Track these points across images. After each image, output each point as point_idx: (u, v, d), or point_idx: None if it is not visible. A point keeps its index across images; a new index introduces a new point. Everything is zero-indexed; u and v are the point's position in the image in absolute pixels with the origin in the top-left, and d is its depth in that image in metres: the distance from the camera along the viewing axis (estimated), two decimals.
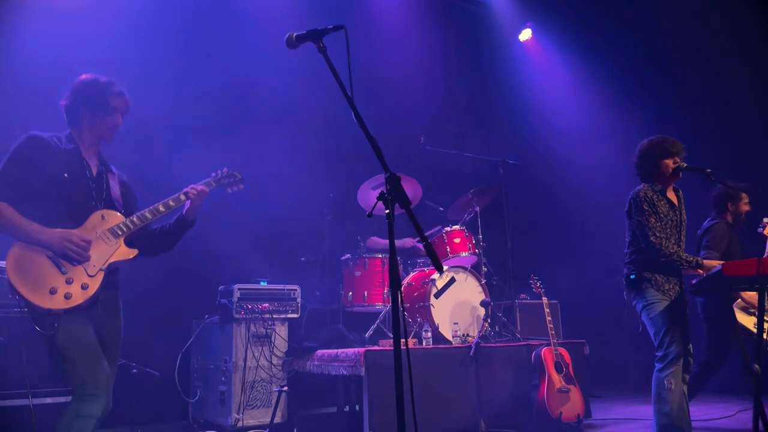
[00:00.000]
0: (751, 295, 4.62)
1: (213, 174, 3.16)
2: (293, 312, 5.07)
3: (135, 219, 2.83)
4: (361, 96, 6.77)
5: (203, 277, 5.34)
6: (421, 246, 6.07)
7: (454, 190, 6.07)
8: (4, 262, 2.58)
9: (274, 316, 4.94)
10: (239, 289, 4.87)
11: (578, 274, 7.14)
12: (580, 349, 5.28)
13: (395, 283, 1.75)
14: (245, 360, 4.76)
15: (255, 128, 5.90)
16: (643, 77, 7.38)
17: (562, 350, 4.83)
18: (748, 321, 4.60)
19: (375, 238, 5.91)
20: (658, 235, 3.64)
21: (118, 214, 2.85)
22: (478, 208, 5.81)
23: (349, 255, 5.49)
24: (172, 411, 5.26)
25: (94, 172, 2.88)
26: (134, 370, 4.32)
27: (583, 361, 5.26)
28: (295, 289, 5.13)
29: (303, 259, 5.92)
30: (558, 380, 4.67)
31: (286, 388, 4.39)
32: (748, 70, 6.66)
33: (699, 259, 3.64)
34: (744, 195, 4.96)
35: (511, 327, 5.61)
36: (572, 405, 4.67)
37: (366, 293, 5.21)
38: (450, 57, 7.58)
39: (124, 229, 2.79)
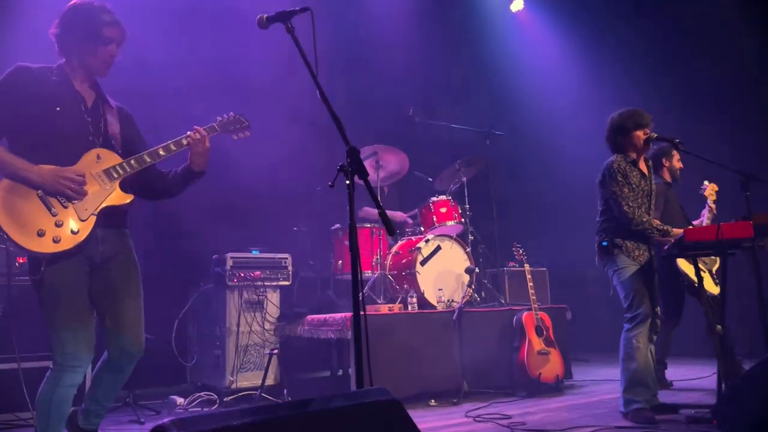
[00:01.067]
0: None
1: (218, 118, 2.93)
2: (284, 279, 5.27)
3: (133, 162, 2.65)
4: (350, 70, 6.85)
5: (198, 247, 5.51)
6: (410, 219, 6.24)
7: (442, 161, 6.20)
8: None
9: (265, 283, 5.14)
10: (232, 257, 5.06)
11: (566, 242, 7.31)
12: (562, 314, 5.47)
13: (354, 248, 1.91)
14: (238, 325, 4.98)
15: (246, 98, 5.99)
16: (631, 47, 7.44)
17: (543, 314, 5.02)
18: (689, 269, 4.53)
19: (367, 209, 6.08)
20: (631, 204, 3.81)
21: (115, 154, 2.66)
22: (465, 179, 5.96)
23: (339, 225, 5.65)
24: (170, 375, 5.49)
25: (89, 104, 2.68)
26: None
27: (565, 325, 5.46)
28: (286, 258, 5.31)
29: (295, 228, 6.10)
30: (538, 343, 4.87)
31: (276, 351, 4.59)
32: (737, 35, 6.73)
33: (668, 227, 3.80)
34: (675, 152, 5.05)
35: (495, 293, 5.80)
36: (552, 366, 4.88)
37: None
38: (440, 28, 7.63)
39: (121, 171, 2.62)
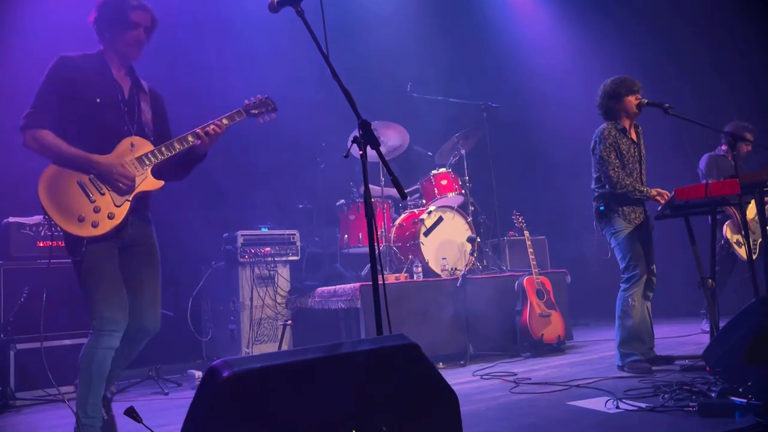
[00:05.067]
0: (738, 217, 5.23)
1: (246, 101, 3.01)
2: (293, 255, 5.47)
3: (163, 149, 2.80)
4: (346, 47, 6.93)
5: (207, 227, 5.69)
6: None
7: (442, 134, 6.35)
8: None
9: (276, 259, 5.34)
10: (242, 235, 5.25)
11: (564, 210, 7.51)
12: (562, 278, 5.68)
13: (370, 220, 2.09)
14: (251, 300, 5.18)
15: (251, 85, 6.13)
16: (621, 16, 7.56)
17: (543, 279, 5.22)
18: (733, 238, 5.37)
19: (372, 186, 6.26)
20: (616, 170, 4.03)
21: (148, 142, 2.83)
22: (464, 151, 6.12)
23: (343, 200, 5.83)
24: (187, 350, 5.72)
25: (126, 94, 2.84)
26: None
27: (565, 288, 5.67)
28: (294, 234, 5.51)
29: (300, 206, 6.27)
30: (539, 306, 5.08)
31: (290, 322, 4.79)
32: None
33: (648, 189, 4.01)
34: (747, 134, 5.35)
35: (497, 261, 6.01)
36: (553, 328, 5.09)
37: (360, 235, 5.58)
38: (434, 3, 7.75)
39: (152, 159, 2.78)
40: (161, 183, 2.82)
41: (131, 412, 1.73)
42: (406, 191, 6.28)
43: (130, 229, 2.77)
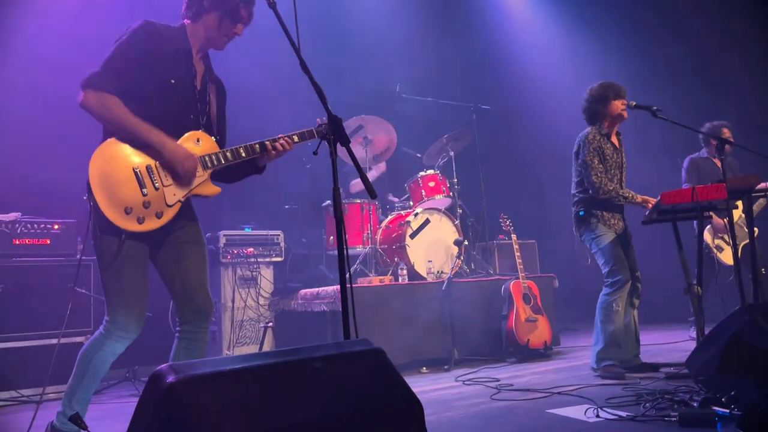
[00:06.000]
0: (718, 220, 5.13)
1: (318, 120, 2.64)
2: (277, 256, 5.38)
3: (228, 154, 2.56)
4: (335, 47, 6.83)
5: None
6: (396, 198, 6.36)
7: (431, 136, 6.27)
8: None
9: (258, 259, 5.25)
10: (225, 235, 5.16)
11: (554, 214, 7.44)
12: (549, 283, 5.61)
13: (339, 219, 2.02)
14: (233, 301, 5.10)
15: (232, 73, 6.04)
16: (612, 19, 7.52)
17: (530, 283, 5.14)
18: (713, 242, 5.32)
19: (357, 181, 6.19)
20: (599, 175, 3.98)
21: (213, 141, 2.60)
22: (452, 153, 6.04)
23: (329, 201, 5.74)
24: (167, 352, 5.55)
25: (199, 84, 2.63)
26: None
27: (553, 293, 5.60)
28: (279, 234, 5.42)
29: (287, 206, 6.18)
30: (526, 310, 5.01)
31: (271, 324, 4.72)
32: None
33: (633, 194, 3.96)
34: (725, 130, 5.28)
35: (485, 264, 5.93)
36: (540, 333, 5.02)
37: (346, 237, 5.48)
38: (424, 3, 7.69)
39: (215, 162, 2.54)
40: (218, 190, 2.60)
41: (76, 420, 1.65)
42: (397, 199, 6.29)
43: (169, 235, 2.56)
